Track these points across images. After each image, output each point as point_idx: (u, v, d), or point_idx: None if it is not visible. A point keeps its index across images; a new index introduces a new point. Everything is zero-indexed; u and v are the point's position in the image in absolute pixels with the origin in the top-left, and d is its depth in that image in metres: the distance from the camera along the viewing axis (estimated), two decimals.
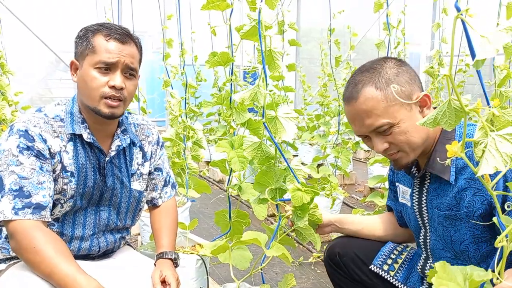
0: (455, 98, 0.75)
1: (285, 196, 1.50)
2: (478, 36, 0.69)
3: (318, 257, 2.63)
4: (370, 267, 1.45)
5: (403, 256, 1.47)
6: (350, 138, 3.92)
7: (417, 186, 1.32)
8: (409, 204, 1.37)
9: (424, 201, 1.30)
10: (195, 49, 4.94)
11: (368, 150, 5.76)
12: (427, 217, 1.31)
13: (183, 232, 2.10)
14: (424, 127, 1.13)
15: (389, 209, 1.59)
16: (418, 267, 1.40)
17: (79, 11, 5.44)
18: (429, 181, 1.28)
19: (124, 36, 1.28)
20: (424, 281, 1.40)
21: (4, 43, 3.94)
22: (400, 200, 1.43)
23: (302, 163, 1.78)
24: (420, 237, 1.38)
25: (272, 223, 3.24)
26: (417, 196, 1.33)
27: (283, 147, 3.42)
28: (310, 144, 5.00)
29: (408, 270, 1.44)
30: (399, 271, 1.43)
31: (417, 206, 1.34)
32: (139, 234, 2.78)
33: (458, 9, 0.69)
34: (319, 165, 3.86)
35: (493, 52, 0.67)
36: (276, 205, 1.49)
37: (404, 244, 1.53)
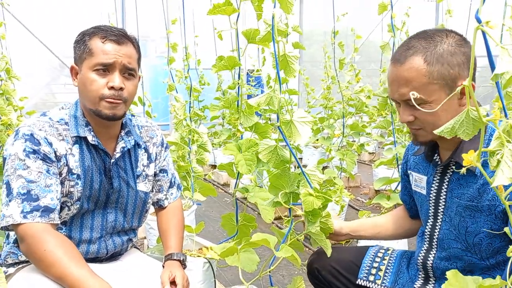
0: (473, 108, 0.76)
1: (300, 201, 1.51)
2: (499, 48, 0.69)
3: None
4: (357, 281, 1.46)
5: (385, 262, 1.47)
6: (355, 141, 3.91)
7: (439, 174, 1.30)
8: (423, 192, 1.36)
9: (444, 190, 1.28)
10: (198, 53, 4.96)
11: (372, 153, 5.76)
12: (443, 206, 1.29)
13: (189, 235, 2.10)
14: (455, 114, 1.12)
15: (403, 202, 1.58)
16: (419, 260, 1.38)
17: (83, 17, 5.47)
18: (452, 170, 1.26)
19: (120, 36, 1.29)
20: (418, 276, 1.39)
21: (9, 49, 3.97)
22: (413, 188, 1.41)
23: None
24: (427, 227, 1.36)
25: (277, 226, 3.24)
26: (437, 184, 1.31)
27: (298, 148, 3.41)
28: (314, 147, 5.00)
29: (395, 274, 1.44)
30: (385, 277, 1.43)
31: (434, 194, 1.32)
32: (145, 237, 2.79)
33: (479, 20, 0.69)
34: (323, 168, 3.86)
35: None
36: (289, 209, 1.49)
37: (385, 248, 1.55)
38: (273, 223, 3.36)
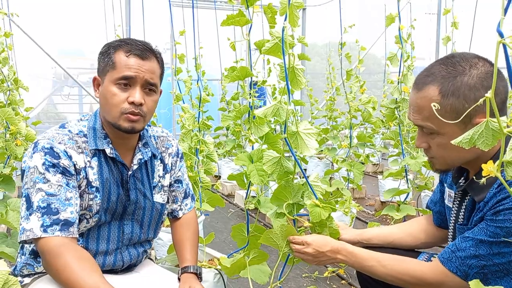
0: (492, 119, 0.76)
1: (301, 211, 1.51)
2: None
3: (333, 271, 2.60)
4: None
5: None
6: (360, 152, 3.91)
7: (458, 199, 1.28)
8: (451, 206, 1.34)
9: (461, 216, 1.27)
10: (202, 64, 4.98)
11: (376, 164, 5.75)
12: (456, 231, 1.29)
13: (199, 246, 2.09)
14: (467, 153, 1.11)
15: (429, 208, 1.56)
16: None
17: (90, 28, 5.50)
18: (468, 198, 1.24)
19: (145, 51, 1.28)
20: None
21: (15, 59, 3.98)
22: (446, 202, 1.39)
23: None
24: None
25: None
26: (456, 209, 1.29)
27: (304, 159, 3.40)
28: (319, 158, 5.00)
29: None
30: None
31: (453, 218, 1.31)
32: (152, 248, 2.76)
33: (501, 34, 0.70)
34: (330, 179, 3.85)
35: None
36: (293, 220, 1.49)
37: (438, 254, 1.51)
38: None
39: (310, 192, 1.44)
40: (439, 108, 1.07)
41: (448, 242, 1.36)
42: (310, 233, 1.45)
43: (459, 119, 1.02)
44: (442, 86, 1.10)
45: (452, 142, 0.82)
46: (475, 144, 0.79)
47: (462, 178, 1.29)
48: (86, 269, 1.12)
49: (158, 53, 1.34)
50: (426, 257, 1.48)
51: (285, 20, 1.36)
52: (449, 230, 1.35)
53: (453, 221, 1.32)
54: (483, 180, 0.79)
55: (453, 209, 1.31)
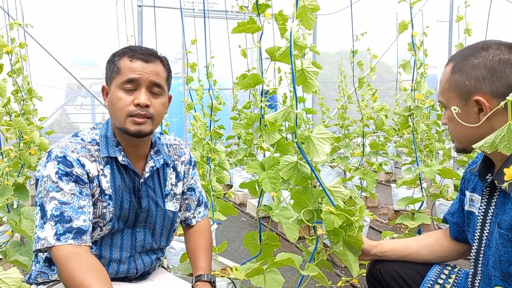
0: None
1: None
2: None
3: (347, 281, 2.56)
4: None
5: (451, 280, 1.39)
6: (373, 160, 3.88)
7: (486, 196, 1.24)
8: (476, 212, 1.30)
9: (490, 213, 1.22)
10: (213, 73, 5.01)
11: (389, 172, 5.69)
12: (487, 231, 1.23)
13: (212, 255, 2.07)
14: (472, 128, 1.13)
15: (446, 221, 1.52)
16: (468, 285, 1.32)
17: (101, 39, 5.58)
18: (498, 192, 1.20)
19: (148, 55, 1.29)
20: None
21: (29, 69, 4.04)
22: (468, 208, 1.35)
23: None
24: (473, 251, 1.30)
25: (296, 247, 3.19)
26: (484, 207, 1.25)
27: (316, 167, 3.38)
28: (331, 167, 4.97)
29: None
30: None
31: (481, 217, 1.26)
32: (165, 257, 2.76)
33: None
34: None
35: None
36: (314, 227, 1.46)
37: (452, 265, 1.46)
38: (292, 243, 3.31)
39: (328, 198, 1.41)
40: (448, 83, 1.18)
41: (472, 251, 1.30)
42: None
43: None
44: (455, 64, 1.18)
45: (474, 146, 0.82)
46: (497, 148, 0.78)
47: (490, 174, 1.25)
48: (91, 278, 1.10)
49: (163, 58, 1.36)
50: (440, 268, 1.45)
51: (293, 21, 1.35)
52: (475, 237, 1.29)
53: (480, 225, 1.27)
54: (505, 184, 0.77)
55: (479, 212, 1.27)
